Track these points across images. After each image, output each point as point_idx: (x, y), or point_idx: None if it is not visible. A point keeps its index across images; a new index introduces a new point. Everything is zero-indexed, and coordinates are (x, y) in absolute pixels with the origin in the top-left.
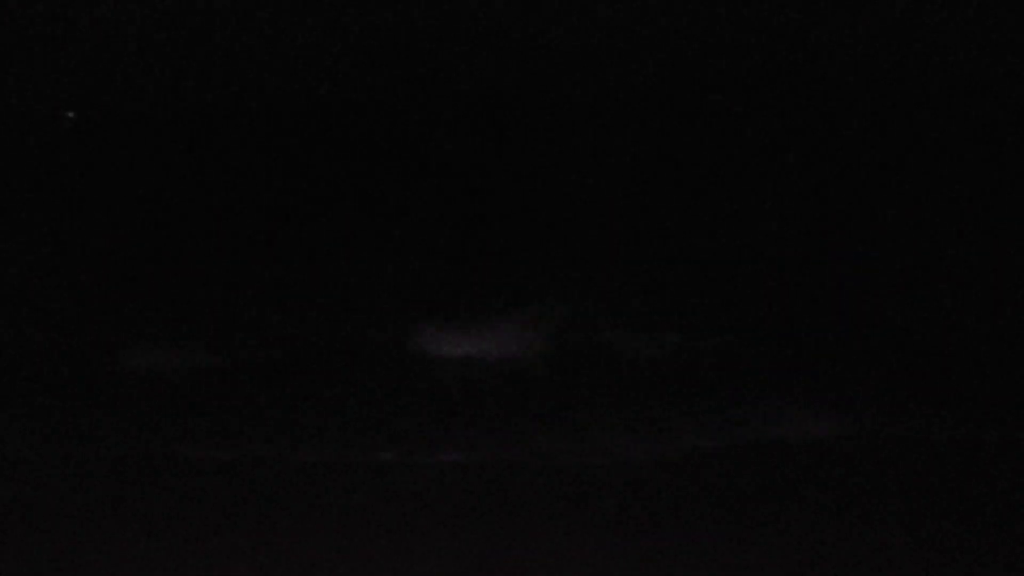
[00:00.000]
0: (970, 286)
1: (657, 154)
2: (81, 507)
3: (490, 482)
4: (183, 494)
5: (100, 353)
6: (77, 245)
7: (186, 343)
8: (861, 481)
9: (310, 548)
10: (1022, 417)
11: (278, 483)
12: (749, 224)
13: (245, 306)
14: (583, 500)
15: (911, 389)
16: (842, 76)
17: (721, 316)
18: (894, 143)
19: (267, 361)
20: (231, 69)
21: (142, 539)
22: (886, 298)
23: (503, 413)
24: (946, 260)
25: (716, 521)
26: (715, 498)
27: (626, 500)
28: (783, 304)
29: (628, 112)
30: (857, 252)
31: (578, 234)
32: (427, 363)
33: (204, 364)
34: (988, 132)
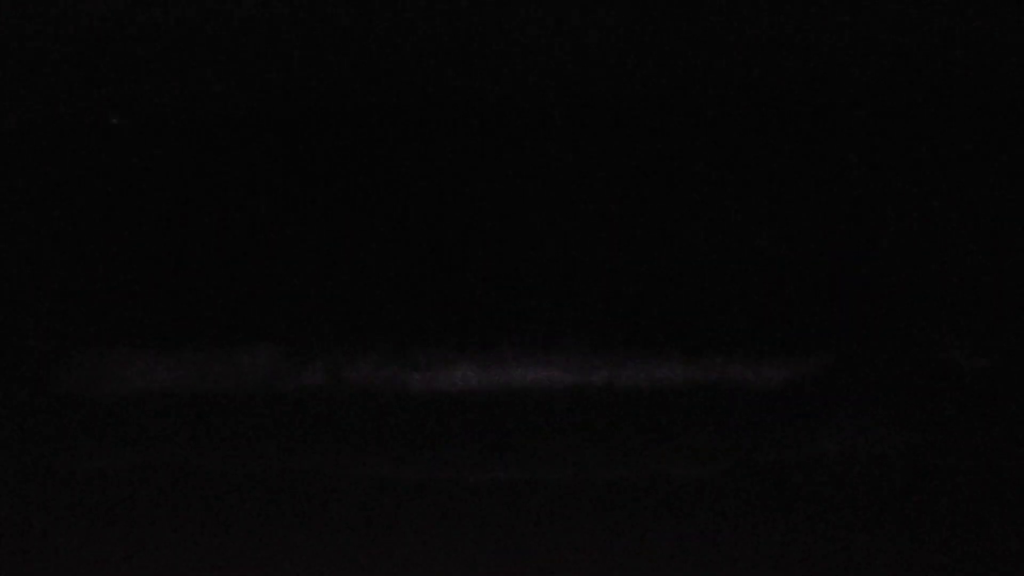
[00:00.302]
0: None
1: (688, 170)
2: (80, 517)
3: (527, 501)
4: (193, 506)
5: (98, 363)
6: (89, 249)
7: (199, 359)
8: (918, 497)
9: (313, 561)
10: None
11: (289, 496)
12: (774, 239)
13: (259, 323)
14: (616, 518)
15: (963, 405)
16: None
17: (752, 336)
18: (947, 158)
19: (280, 374)
20: (233, 78)
21: (146, 552)
22: (932, 313)
23: (532, 434)
24: (999, 273)
25: (762, 537)
26: (760, 514)
27: (662, 518)
28: (824, 319)
29: (654, 127)
30: (897, 263)
31: (601, 256)
32: (447, 391)
33: (219, 378)
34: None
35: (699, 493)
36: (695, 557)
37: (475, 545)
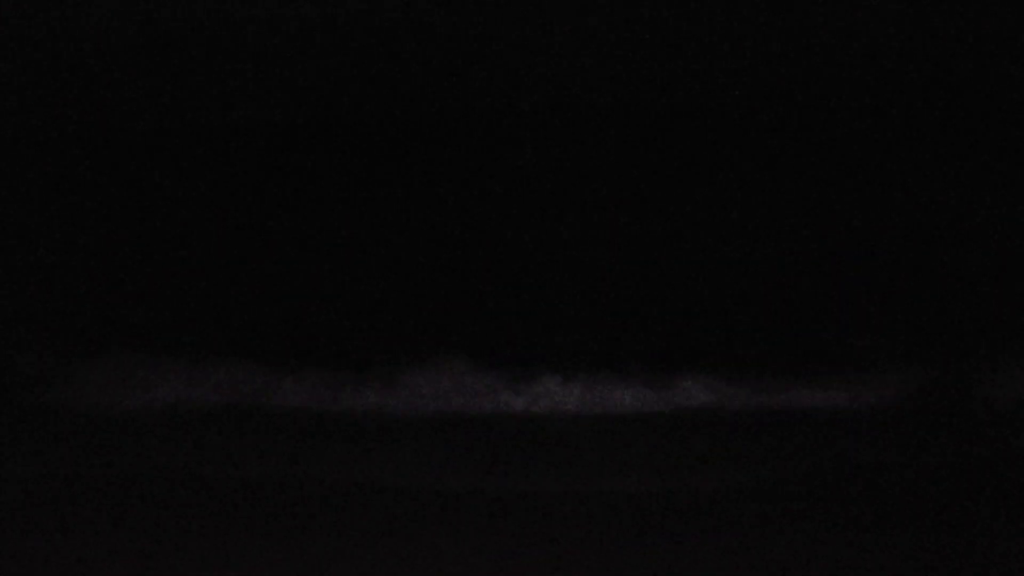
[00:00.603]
0: None
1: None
2: (90, 522)
3: (567, 513)
4: (204, 512)
5: (96, 377)
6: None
7: (227, 375)
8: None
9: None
10: None
11: (304, 503)
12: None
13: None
14: (649, 529)
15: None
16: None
17: (809, 365)
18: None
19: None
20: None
21: (158, 558)
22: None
23: (570, 449)
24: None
25: (802, 548)
26: (800, 524)
27: (699, 528)
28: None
29: (694, 147)
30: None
31: (626, 285)
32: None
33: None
34: None
35: (755, 504)
36: (754, 560)
37: (508, 552)
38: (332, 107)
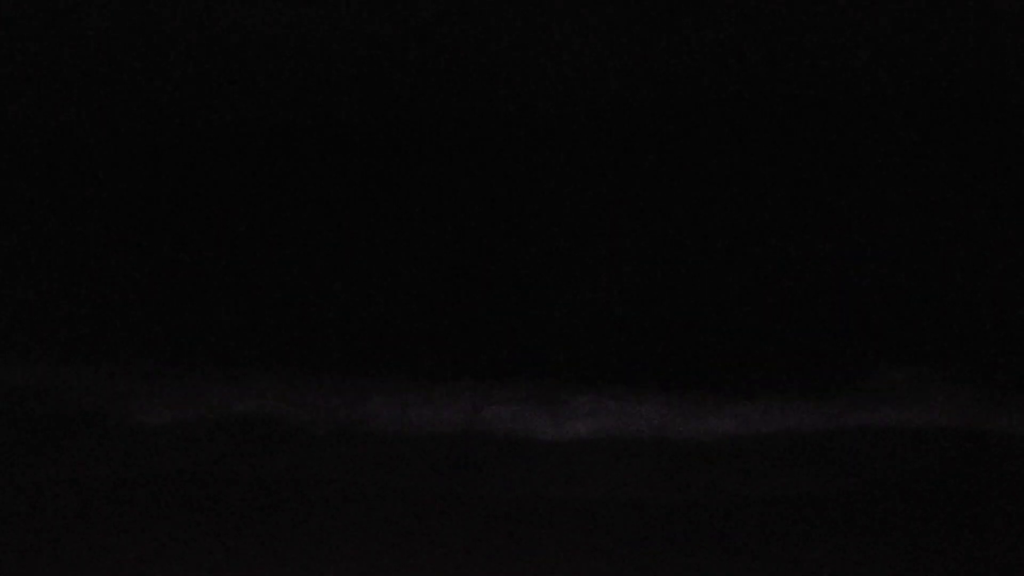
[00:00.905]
0: None
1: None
2: (118, 525)
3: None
4: (211, 511)
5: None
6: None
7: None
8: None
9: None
10: None
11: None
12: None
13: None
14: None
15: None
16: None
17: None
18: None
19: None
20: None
21: (171, 558)
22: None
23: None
24: None
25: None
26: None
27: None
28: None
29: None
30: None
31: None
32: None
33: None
34: None
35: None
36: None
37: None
38: (355, 123)
